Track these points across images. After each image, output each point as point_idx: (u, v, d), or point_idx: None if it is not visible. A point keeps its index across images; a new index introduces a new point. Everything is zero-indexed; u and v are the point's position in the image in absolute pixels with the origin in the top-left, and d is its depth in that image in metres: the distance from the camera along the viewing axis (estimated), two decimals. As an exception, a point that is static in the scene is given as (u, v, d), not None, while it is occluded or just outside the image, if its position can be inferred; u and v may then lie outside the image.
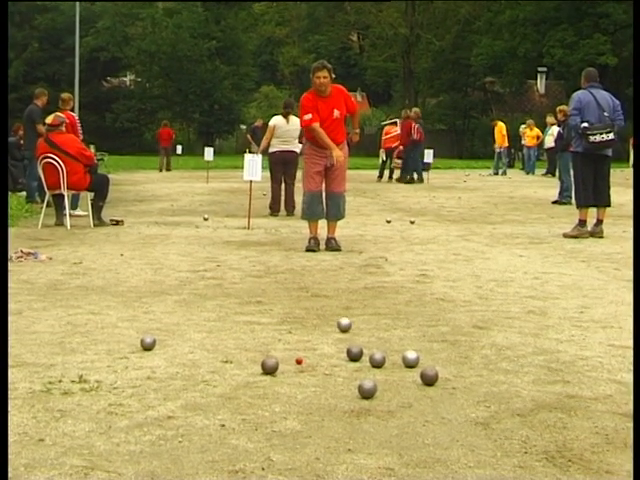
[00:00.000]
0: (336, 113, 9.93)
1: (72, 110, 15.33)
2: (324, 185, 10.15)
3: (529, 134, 32.13)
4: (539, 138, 30.78)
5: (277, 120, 14.99)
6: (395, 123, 28.47)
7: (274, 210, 14.93)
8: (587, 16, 52.82)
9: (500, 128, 32.06)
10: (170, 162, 34.45)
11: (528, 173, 31.88)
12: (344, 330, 5.63)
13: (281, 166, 15.01)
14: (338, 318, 5.90)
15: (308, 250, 9.80)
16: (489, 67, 59.14)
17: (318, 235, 10.06)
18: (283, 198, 15.05)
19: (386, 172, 27.34)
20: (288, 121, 14.73)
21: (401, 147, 25.72)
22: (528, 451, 3.52)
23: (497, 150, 32.23)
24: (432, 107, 65.01)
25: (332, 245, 10.05)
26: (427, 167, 26.43)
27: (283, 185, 15.10)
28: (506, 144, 32.30)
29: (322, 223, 10.22)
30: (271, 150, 14.98)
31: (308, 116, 9.90)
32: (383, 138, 27.90)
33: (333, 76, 9.93)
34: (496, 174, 31.48)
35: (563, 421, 3.90)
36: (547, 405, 4.12)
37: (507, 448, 3.56)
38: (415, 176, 25.62)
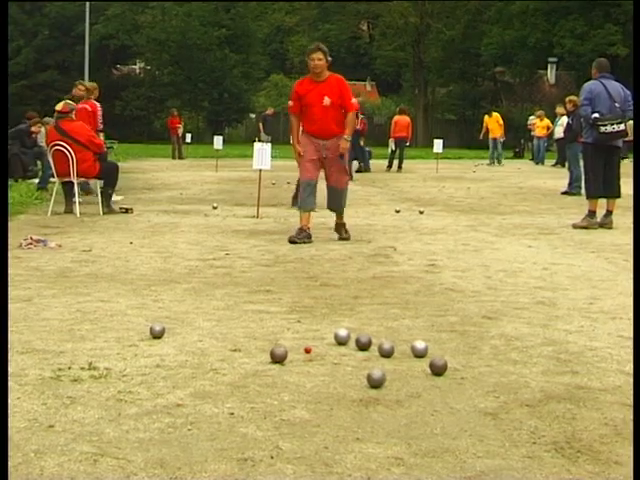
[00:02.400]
0: (326, 100, 9.47)
1: (97, 100, 15.32)
2: (324, 176, 9.93)
3: (539, 124, 31.94)
4: (549, 129, 30.60)
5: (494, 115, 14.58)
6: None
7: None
8: (598, 6, 52.59)
9: (496, 118, 31.60)
10: (182, 150, 34.55)
11: (538, 164, 31.77)
12: (341, 342, 5.08)
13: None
14: (341, 320, 5.89)
15: (290, 241, 9.50)
16: (499, 57, 58.92)
17: (307, 227, 9.71)
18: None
19: (395, 162, 27.36)
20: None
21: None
22: (537, 441, 3.53)
23: (500, 140, 31.69)
24: (442, 97, 64.87)
25: (341, 234, 10.04)
26: (370, 156, 26.46)
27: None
28: (500, 134, 31.64)
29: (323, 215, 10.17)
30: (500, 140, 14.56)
31: (290, 103, 9.86)
32: (393, 127, 27.89)
33: (329, 59, 9.58)
34: (491, 164, 31.24)
35: (572, 412, 3.90)
36: (556, 396, 4.12)
37: (516, 438, 3.56)
38: (361, 165, 25.54)
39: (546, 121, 31.56)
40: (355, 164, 25.22)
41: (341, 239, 9.87)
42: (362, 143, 25.42)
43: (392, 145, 27.83)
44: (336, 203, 10.00)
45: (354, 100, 9.81)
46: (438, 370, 4.45)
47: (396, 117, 28.42)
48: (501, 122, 31.47)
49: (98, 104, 15.22)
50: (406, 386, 4.26)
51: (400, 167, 27.19)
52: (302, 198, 9.86)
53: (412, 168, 28.33)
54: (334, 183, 9.85)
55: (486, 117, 32.07)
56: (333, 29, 67.91)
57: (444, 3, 60.84)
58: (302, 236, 9.54)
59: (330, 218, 10.40)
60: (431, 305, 6.28)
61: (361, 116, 25.77)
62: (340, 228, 10.10)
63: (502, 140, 31.88)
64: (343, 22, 66.29)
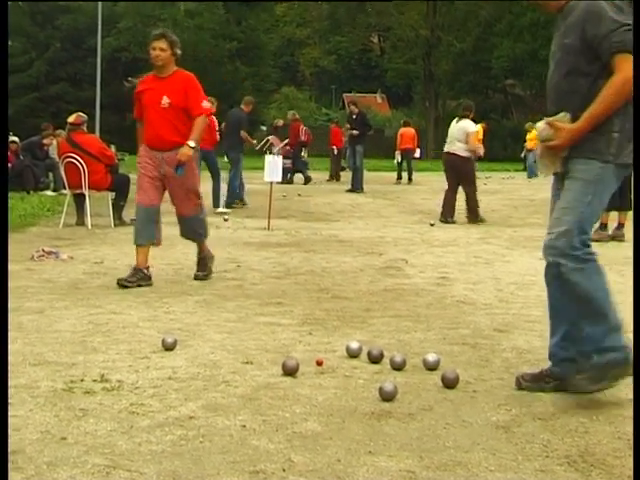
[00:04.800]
0: (165, 101, 7.60)
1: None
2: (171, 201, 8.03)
3: (529, 137, 31.53)
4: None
5: (454, 121, 14.61)
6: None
7: (447, 216, 14.19)
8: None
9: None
10: None
11: (531, 177, 31.40)
12: (353, 355, 5.10)
13: (449, 171, 14.45)
14: (353, 332, 5.89)
15: (120, 285, 7.38)
16: (510, 69, 58.87)
17: (144, 265, 7.67)
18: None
19: (404, 174, 27.39)
20: (457, 122, 14.25)
21: (288, 148, 25.77)
22: (549, 455, 3.51)
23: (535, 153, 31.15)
24: (452, 109, 64.83)
25: (198, 268, 8.01)
26: (307, 167, 26.58)
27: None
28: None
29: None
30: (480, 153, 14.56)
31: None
32: (399, 139, 27.90)
33: (178, 52, 7.83)
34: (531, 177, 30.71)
35: (585, 425, 3.89)
36: (568, 409, 4.11)
37: (528, 452, 3.55)
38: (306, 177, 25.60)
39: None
40: (299, 176, 25.39)
41: (196, 277, 7.91)
42: (305, 155, 25.65)
43: (398, 157, 27.86)
44: (189, 232, 8.08)
45: (206, 104, 7.87)
46: (450, 383, 4.44)
47: (401, 129, 28.47)
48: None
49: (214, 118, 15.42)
50: (418, 399, 4.26)
51: (410, 179, 27.23)
52: (136, 229, 7.83)
53: (423, 180, 28.31)
54: (180, 210, 7.91)
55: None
56: (344, 41, 68.02)
57: (455, 16, 60.87)
58: (136, 278, 7.50)
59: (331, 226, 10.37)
60: (443, 318, 6.27)
61: (304, 127, 26.01)
62: (200, 262, 8.08)
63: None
64: (354, 34, 66.33)
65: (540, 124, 4.32)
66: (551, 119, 4.23)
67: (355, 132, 22.04)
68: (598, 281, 4.20)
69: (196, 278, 7.86)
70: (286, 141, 24.35)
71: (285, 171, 26.63)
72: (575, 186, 4.23)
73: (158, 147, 7.65)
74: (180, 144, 7.53)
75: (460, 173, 14.13)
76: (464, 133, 13.91)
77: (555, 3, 4.34)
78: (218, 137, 15.43)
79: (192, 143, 7.57)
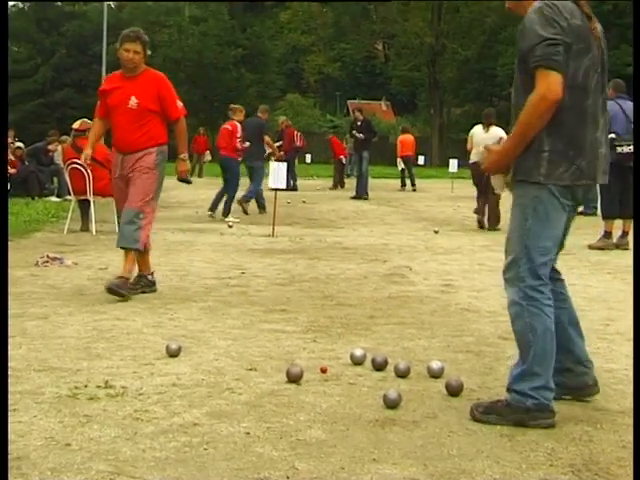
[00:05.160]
0: (132, 102, 7.27)
1: (240, 121, 15.69)
2: None
3: None
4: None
5: (476, 129, 14.60)
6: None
7: (494, 224, 14.05)
8: (614, 27, 52.57)
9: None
10: (202, 168, 34.79)
11: None
12: (357, 362, 5.09)
13: (478, 177, 14.21)
14: (357, 339, 5.88)
15: (110, 291, 7.03)
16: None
17: (150, 272, 7.58)
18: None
19: (408, 181, 27.44)
20: (487, 131, 14.22)
21: (282, 154, 25.80)
22: (554, 464, 3.51)
23: None
24: (457, 117, 64.87)
25: (114, 285, 7.08)
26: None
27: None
28: None
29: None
30: (470, 160, 14.55)
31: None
32: (399, 147, 27.90)
33: (149, 52, 7.56)
34: None
35: (589, 434, 3.88)
36: (573, 417, 4.10)
37: (532, 460, 3.54)
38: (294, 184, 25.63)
39: None
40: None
41: (108, 289, 7.07)
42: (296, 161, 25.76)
43: (401, 164, 27.88)
44: (124, 231, 7.28)
45: (180, 104, 7.66)
46: (454, 391, 4.44)
47: (401, 137, 28.43)
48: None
49: (238, 125, 15.41)
50: (422, 407, 4.25)
51: (414, 185, 27.25)
52: (119, 233, 7.51)
53: (427, 187, 28.37)
54: (128, 203, 7.32)
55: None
56: (348, 48, 68.13)
57: (460, 23, 60.92)
58: (140, 285, 7.40)
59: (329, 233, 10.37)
60: (447, 325, 6.27)
61: (299, 133, 25.99)
62: (121, 279, 7.21)
63: None
64: (359, 42, 66.42)
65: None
66: (490, 144, 4.20)
67: (361, 136, 22.06)
68: (532, 323, 3.97)
69: (109, 289, 7.05)
70: (279, 143, 24.20)
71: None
72: (515, 212, 4.07)
73: (123, 149, 7.39)
74: (145, 147, 7.29)
75: None
76: (500, 139, 13.80)
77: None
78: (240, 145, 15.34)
79: (184, 156, 7.55)
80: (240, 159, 15.56)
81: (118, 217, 7.80)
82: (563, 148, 3.93)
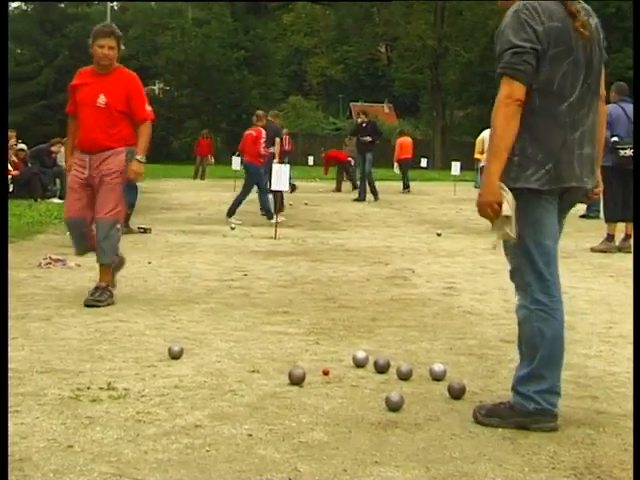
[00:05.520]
0: (101, 100, 6.97)
1: (263, 126, 15.73)
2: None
3: None
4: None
5: (485, 133, 14.63)
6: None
7: None
8: (616, 30, 52.58)
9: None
10: (205, 171, 34.86)
11: None
12: (360, 365, 5.09)
13: None
14: (359, 342, 5.88)
15: (87, 305, 6.83)
16: (517, 80, 58.91)
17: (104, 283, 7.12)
18: None
19: (410, 182, 27.52)
20: None
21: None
22: (556, 467, 3.51)
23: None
24: (460, 119, 64.89)
25: (93, 298, 6.91)
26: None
27: None
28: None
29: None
30: (481, 164, 14.59)
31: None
32: (397, 150, 27.86)
33: (122, 47, 7.31)
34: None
35: (591, 437, 3.88)
36: (575, 421, 4.10)
37: (535, 463, 3.54)
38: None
39: None
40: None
41: (86, 303, 6.86)
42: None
43: (397, 169, 27.83)
44: (104, 247, 7.08)
45: (148, 107, 7.34)
46: (457, 393, 4.44)
47: (400, 139, 28.39)
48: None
49: (262, 130, 15.41)
50: (424, 409, 4.25)
51: (408, 187, 27.33)
52: (73, 241, 7.41)
53: (429, 190, 28.37)
54: (98, 213, 7.00)
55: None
56: (351, 51, 68.19)
57: (462, 26, 60.92)
58: (100, 293, 7.00)
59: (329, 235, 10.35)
60: (449, 328, 6.27)
61: (287, 135, 25.90)
62: (96, 290, 7.02)
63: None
64: (361, 44, 66.49)
65: None
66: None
67: (368, 138, 22.09)
68: (541, 328, 3.94)
69: (86, 302, 6.87)
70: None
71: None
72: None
73: (87, 149, 7.01)
74: (111, 148, 6.98)
75: None
76: None
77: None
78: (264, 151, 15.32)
79: (142, 157, 7.11)
80: (263, 165, 15.49)
81: (69, 228, 7.33)
82: (532, 152, 3.85)
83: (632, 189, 11.53)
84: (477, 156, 29.89)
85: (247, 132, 15.75)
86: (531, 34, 3.78)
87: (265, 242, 11.98)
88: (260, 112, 16.33)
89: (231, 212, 15.21)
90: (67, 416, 4.01)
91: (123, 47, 7.40)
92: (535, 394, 3.93)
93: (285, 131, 26.39)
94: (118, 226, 7.10)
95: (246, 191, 15.42)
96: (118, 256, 7.34)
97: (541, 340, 3.94)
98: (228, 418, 4.03)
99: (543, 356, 3.93)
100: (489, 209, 3.81)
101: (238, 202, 15.34)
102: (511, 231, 3.82)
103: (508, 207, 3.79)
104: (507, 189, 3.81)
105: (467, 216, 17.74)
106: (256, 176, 15.28)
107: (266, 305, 7.05)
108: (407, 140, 28.10)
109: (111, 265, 7.21)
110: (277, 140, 17.18)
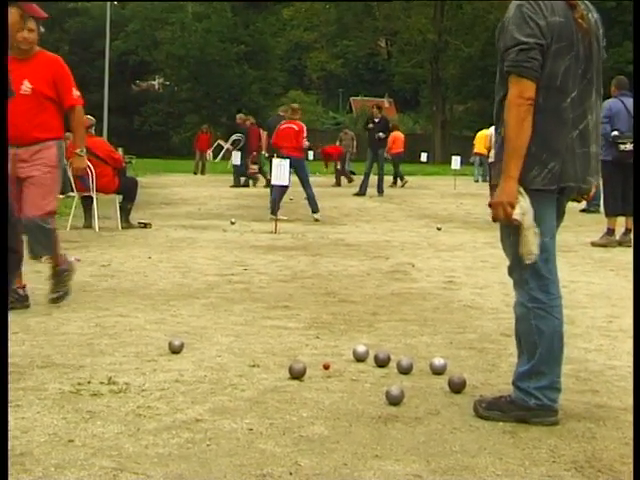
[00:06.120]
0: (26, 86, 6.42)
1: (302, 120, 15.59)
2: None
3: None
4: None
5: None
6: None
7: None
8: (617, 24, 52.53)
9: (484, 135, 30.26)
10: (205, 166, 34.84)
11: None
12: (360, 359, 5.09)
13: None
14: (360, 336, 5.88)
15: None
16: (517, 74, 58.85)
17: (22, 285, 6.60)
18: None
19: (408, 177, 27.56)
20: None
21: (255, 153, 25.75)
22: (556, 460, 3.51)
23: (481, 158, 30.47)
24: (460, 114, 64.85)
25: (52, 294, 6.71)
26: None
27: None
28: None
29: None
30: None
31: None
32: (389, 144, 27.81)
33: (42, 30, 6.72)
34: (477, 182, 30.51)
35: (592, 431, 3.88)
36: (576, 414, 4.10)
37: (535, 457, 3.54)
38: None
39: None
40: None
41: (51, 300, 6.69)
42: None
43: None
44: (37, 243, 6.61)
45: (77, 92, 6.70)
46: (457, 387, 4.44)
47: (392, 134, 28.27)
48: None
49: (303, 125, 15.29)
50: (425, 403, 4.25)
51: (396, 181, 27.32)
52: None
53: (430, 184, 28.37)
54: (28, 210, 6.49)
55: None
56: (351, 45, 68.06)
57: (463, 20, 60.90)
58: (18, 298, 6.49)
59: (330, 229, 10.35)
60: (450, 322, 6.27)
61: (264, 132, 25.86)
62: (54, 276, 6.80)
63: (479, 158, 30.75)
64: (361, 39, 66.39)
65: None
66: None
67: (382, 135, 22.13)
68: (539, 325, 3.94)
69: (52, 301, 6.66)
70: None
71: (247, 177, 26.70)
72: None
73: (18, 141, 6.29)
74: (41, 139, 6.50)
75: None
76: None
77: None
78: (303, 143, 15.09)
79: (81, 151, 6.78)
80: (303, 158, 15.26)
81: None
82: (536, 151, 3.80)
83: (632, 183, 11.52)
84: (477, 150, 29.91)
85: (284, 125, 15.16)
86: (535, 29, 3.74)
87: (265, 237, 11.98)
88: (295, 105, 16.05)
89: (314, 209, 14.88)
90: (68, 410, 4.01)
91: (43, 29, 6.83)
92: (535, 390, 3.93)
93: (246, 121, 26.63)
94: (49, 220, 6.72)
95: (308, 184, 14.91)
96: (67, 261, 6.98)
97: (539, 337, 3.94)
98: (229, 412, 4.04)
99: (542, 353, 3.94)
100: (501, 210, 3.78)
101: (311, 197, 14.94)
102: (526, 245, 3.82)
103: (519, 212, 3.77)
104: (525, 195, 3.79)
105: (467, 210, 17.75)
106: (303, 169, 15.01)
107: (266, 299, 7.06)
108: (399, 135, 28.09)
109: (51, 254, 6.75)
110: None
